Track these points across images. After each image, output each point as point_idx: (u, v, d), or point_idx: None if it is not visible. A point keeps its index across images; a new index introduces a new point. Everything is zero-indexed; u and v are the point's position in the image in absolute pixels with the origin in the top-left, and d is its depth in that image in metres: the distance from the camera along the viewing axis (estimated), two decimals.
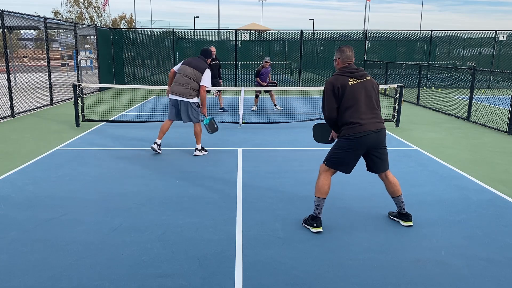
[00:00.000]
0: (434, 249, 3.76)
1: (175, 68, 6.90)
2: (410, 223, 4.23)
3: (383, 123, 4.06)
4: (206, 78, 6.70)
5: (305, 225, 4.19)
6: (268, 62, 11.93)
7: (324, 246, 3.80)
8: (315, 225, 4.08)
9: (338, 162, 4.05)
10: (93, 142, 7.86)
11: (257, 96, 12.20)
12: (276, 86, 11.94)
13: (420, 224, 4.28)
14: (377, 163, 4.11)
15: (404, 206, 4.26)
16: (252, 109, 12.10)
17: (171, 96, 6.75)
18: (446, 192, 5.25)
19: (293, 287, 3.15)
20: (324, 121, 4.28)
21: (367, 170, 4.22)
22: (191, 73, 6.66)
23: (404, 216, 4.26)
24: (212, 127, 7.04)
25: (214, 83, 10.97)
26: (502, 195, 5.14)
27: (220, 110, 11.74)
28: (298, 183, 5.56)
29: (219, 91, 11.36)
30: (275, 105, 12.14)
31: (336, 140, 4.23)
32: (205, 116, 7.01)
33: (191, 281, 3.21)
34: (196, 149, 6.99)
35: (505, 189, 5.38)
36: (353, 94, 3.95)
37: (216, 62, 11.28)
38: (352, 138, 3.93)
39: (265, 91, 12.00)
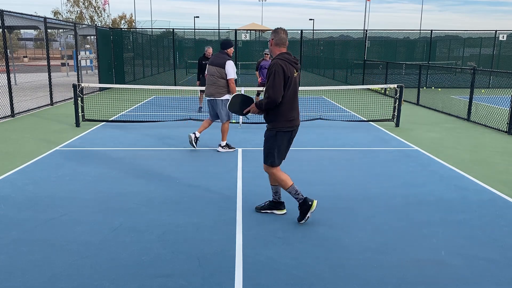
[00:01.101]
0: (434, 249, 3.76)
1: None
2: (284, 211, 4.48)
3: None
4: (230, 70, 6.81)
5: (307, 218, 4.19)
6: (268, 55, 11.27)
7: (324, 246, 3.80)
8: (310, 203, 4.18)
9: (279, 156, 4.21)
10: (93, 142, 7.86)
11: (258, 94, 11.77)
12: None
13: (420, 224, 4.28)
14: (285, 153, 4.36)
15: (281, 195, 4.49)
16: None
17: (206, 97, 7.11)
18: (446, 192, 5.25)
19: (293, 287, 3.15)
20: (243, 94, 4.43)
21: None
22: (215, 72, 6.82)
23: (279, 204, 4.49)
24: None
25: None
26: (502, 195, 5.14)
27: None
28: (298, 183, 5.54)
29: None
30: None
31: (267, 131, 4.22)
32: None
33: (191, 281, 3.21)
34: (220, 145, 7.20)
35: (505, 189, 5.38)
36: (294, 86, 4.08)
37: None
38: (289, 131, 4.14)
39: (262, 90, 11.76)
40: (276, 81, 3.90)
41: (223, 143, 7.15)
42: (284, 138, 4.15)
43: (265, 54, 11.48)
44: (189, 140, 7.15)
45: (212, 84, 6.85)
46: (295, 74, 4.06)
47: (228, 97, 6.87)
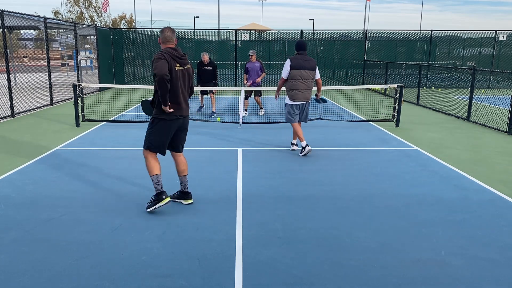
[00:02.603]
0: (434, 249, 3.76)
1: None
2: (191, 201, 4.74)
3: (189, 109, 4.61)
4: (318, 71, 6.96)
5: (152, 208, 4.43)
6: (252, 55, 10.70)
7: (324, 246, 3.80)
8: (163, 197, 4.41)
9: (157, 142, 4.44)
10: (93, 142, 7.86)
11: (246, 98, 11.08)
12: (259, 86, 10.91)
13: (420, 224, 4.28)
14: (178, 144, 4.64)
15: (188, 185, 4.76)
16: (240, 112, 9.90)
17: (301, 102, 7.04)
18: (446, 192, 5.25)
19: (293, 287, 3.15)
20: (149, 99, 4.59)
21: (168, 148, 4.62)
22: (310, 76, 6.87)
23: (186, 194, 4.75)
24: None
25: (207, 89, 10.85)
26: (502, 195, 5.14)
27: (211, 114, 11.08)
28: (298, 183, 5.56)
29: (211, 92, 10.92)
30: (260, 108, 11.27)
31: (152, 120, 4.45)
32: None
33: (191, 281, 3.21)
34: (293, 143, 7.38)
35: (505, 189, 5.38)
36: (176, 80, 4.31)
37: (208, 67, 10.75)
38: (169, 120, 4.37)
39: (251, 92, 10.95)
40: (158, 62, 4.17)
41: (304, 143, 6.95)
42: (164, 126, 4.40)
43: (250, 55, 10.76)
44: (307, 153, 6.86)
45: (308, 88, 6.86)
46: (178, 68, 4.30)
47: (287, 100, 6.98)
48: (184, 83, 4.44)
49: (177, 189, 4.89)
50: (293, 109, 6.92)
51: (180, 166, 4.70)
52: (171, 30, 4.41)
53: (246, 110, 11.30)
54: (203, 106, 11.60)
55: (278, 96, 7.29)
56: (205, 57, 10.73)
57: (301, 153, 6.88)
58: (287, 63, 6.73)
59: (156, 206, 4.42)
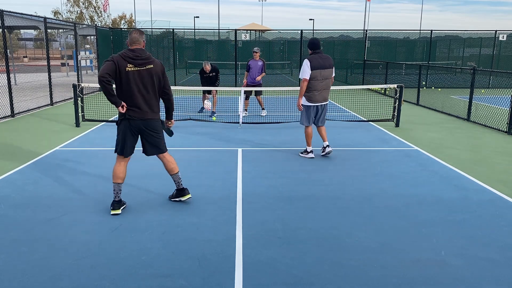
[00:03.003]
0: (434, 249, 3.76)
1: None
2: (189, 196, 4.77)
3: (155, 112, 4.43)
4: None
5: (114, 212, 4.46)
6: (256, 53, 10.60)
7: (324, 246, 3.80)
8: (112, 208, 4.46)
9: (122, 145, 4.45)
10: (93, 142, 7.86)
11: (246, 98, 11.01)
12: (260, 85, 10.85)
13: (420, 224, 4.28)
14: (148, 147, 4.56)
15: (182, 182, 4.77)
16: (240, 112, 9.89)
17: (320, 104, 6.73)
18: (446, 192, 5.25)
19: (293, 287, 3.15)
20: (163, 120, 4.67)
21: (142, 152, 4.64)
22: (330, 75, 6.63)
23: (182, 191, 4.77)
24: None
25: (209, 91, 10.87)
26: (502, 195, 5.14)
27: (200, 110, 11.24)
28: (298, 183, 5.56)
29: (209, 93, 11.02)
30: (262, 109, 11.11)
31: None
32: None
33: (191, 281, 3.21)
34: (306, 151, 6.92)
35: (505, 189, 5.38)
36: (128, 81, 4.22)
37: (211, 74, 10.67)
38: (127, 121, 4.33)
39: (251, 92, 10.85)
40: (103, 66, 4.15)
41: (310, 149, 6.83)
42: (123, 128, 4.38)
43: (254, 52, 10.64)
44: (328, 152, 6.78)
45: (327, 88, 6.60)
46: (130, 69, 4.18)
47: (305, 101, 6.65)
48: (143, 85, 4.28)
49: (171, 190, 4.89)
50: (309, 111, 6.64)
51: (167, 166, 4.68)
52: (139, 32, 4.37)
53: (246, 110, 11.24)
54: (204, 108, 11.44)
55: (300, 102, 6.64)
56: (207, 67, 10.56)
57: (322, 153, 6.83)
58: (306, 64, 6.37)
59: (111, 212, 4.45)
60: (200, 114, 11.19)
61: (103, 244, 3.78)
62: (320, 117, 6.75)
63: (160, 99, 4.50)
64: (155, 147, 4.57)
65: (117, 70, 4.18)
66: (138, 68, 4.23)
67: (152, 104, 4.38)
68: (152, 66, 4.29)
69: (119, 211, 4.45)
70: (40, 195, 5.01)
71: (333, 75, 6.69)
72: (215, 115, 10.86)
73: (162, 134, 4.60)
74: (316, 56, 6.44)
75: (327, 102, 6.73)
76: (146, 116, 4.36)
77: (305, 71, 6.39)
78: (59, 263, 3.44)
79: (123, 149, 4.46)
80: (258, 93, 10.97)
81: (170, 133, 4.91)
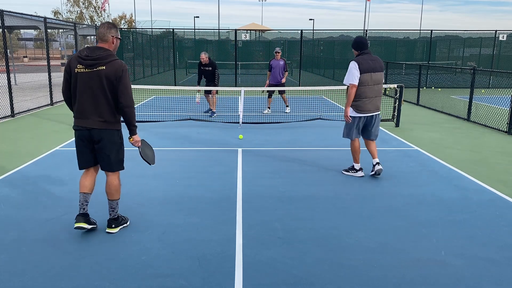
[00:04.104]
0: (434, 249, 3.76)
1: None
2: (112, 230, 3.99)
3: (107, 121, 3.74)
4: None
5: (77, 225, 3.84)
6: (278, 53, 11.02)
7: (324, 246, 3.80)
8: (75, 220, 3.88)
9: (79, 157, 3.91)
10: None
11: (269, 96, 11.41)
12: (283, 85, 11.19)
13: (420, 224, 4.28)
14: (100, 160, 3.90)
15: (115, 212, 4.00)
16: (263, 112, 11.31)
17: (368, 114, 5.66)
18: (446, 192, 5.25)
19: (293, 287, 3.15)
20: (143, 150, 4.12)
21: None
22: (381, 79, 5.72)
23: (109, 222, 4.01)
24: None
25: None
26: (502, 195, 5.14)
27: (209, 113, 11.15)
28: (298, 183, 5.56)
29: (208, 92, 10.96)
30: (286, 106, 11.55)
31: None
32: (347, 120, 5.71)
33: (191, 281, 3.21)
34: (352, 168, 5.91)
35: (505, 189, 5.38)
36: (76, 83, 3.69)
37: (208, 68, 10.64)
38: (77, 130, 3.79)
39: (274, 90, 11.32)
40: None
41: (358, 166, 5.86)
42: (76, 138, 3.86)
43: (276, 52, 11.03)
44: (378, 172, 5.72)
45: (379, 95, 5.61)
46: (79, 70, 3.63)
47: (350, 112, 5.62)
48: (91, 89, 3.64)
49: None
50: (357, 123, 5.64)
51: (105, 187, 3.98)
52: (106, 26, 3.73)
53: (269, 108, 11.51)
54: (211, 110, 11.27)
55: (348, 112, 5.61)
56: (203, 56, 10.61)
57: (372, 171, 5.78)
58: (354, 67, 5.42)
59: (74, 225, 3.87)
60: (201, 114, 11.17)
61: (103, 244, 3.78)
62: (372, 130, 5.71)
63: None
64: (104, 162, 3.88)
65: (70, 71, 3.71)
66: (88, 70, 3.62)
67: (102, 111, 3.69)
68: (103, 67, 3.61)
69: (83, 225, 3.83)
70: (40, 195, 5.01)
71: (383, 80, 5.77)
72: (214, 115, 10.86)
73: (116, 149, 3.88)
74: (366, 57, 5.48)
75: (380, 111, 5.73)
76: (93, 126, 3.70)
77: (353, 75, 5.41)
78: (59, 263, 3.44)
79: (78, 160, 3.91)
80: (281, 92, 11.42)
81: (148, 158, 4.14)
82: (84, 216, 3.90)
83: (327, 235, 4.01)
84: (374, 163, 5.74)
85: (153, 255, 3.59)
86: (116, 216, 4.03)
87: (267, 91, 11.23)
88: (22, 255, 3.58)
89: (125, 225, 4.12)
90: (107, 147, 3.81)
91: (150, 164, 4.17)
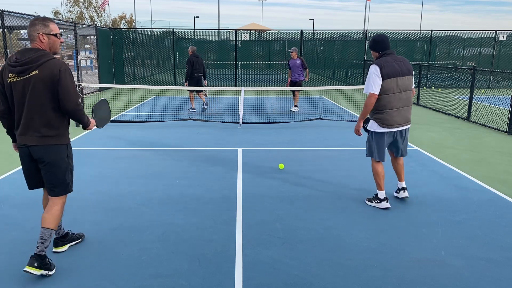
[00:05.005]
0: (434, 249, 3.76)
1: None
2: (65, 247, 3.58)
3: (47, 136, 3.16)
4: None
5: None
6: (292, 53, 11.39)
7: (324, 246, 3.80)
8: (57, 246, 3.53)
9: (26, 178, 3.39)
10: (93, 142, 7.86)
11: (294, 94, 11.79)
12: (299, 86, 11.46)
13: (420, 224, 4.28)
14: (44, 181, 3.31)
15: (45, 247, 3.24)
16: (291, 110, 11.65)
17: (396, 128, 4.58)
18: (446, 192, 5.24)
19: (293, 287, 3.15)
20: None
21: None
22: (410, 84, 4.66)
23: (40, 257, 3.20)
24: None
25: (198, 83, 11.16)
26: (502, 195, 5.14)
27: (205, 107, 11.52)
28: (298, 183, 5.56)
29: (200, 92, 11.40)
30: (295, 106, 11.76)
31: None
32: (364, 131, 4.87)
33: (191, 281, 3.21)
34: (376, 197, 4.78)
35: (505, 189, 5.38)
36: (10, 95, 3.14)
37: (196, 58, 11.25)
38: (20, 148, 3.26)
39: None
40: None
41: (383, 195, 4.69)
42: (19, 156, 3.29)
43: (291, 52, 11.48)
44: (404, 198, 4.93)
45: (408, 104, 4.60)
46: (12, 79, 3.08)
47: (371, 124, 4.67)
48: (27, 99, 3.08)
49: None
50: (382, 140, 4.59)
51: (44, 212, 3.34)
52: (30, 23, 3.15)
53: (296, 106, 11.75)
54: (207, 106, 11.63)
55: (361, 126, 4.80)
56: (190, 49, 11.29)
57: (396, 192, 5.02)
58: (375, 71, 4.40)
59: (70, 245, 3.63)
60: (201, 114, 11.18)
61: (103, 244, 3.78)
62: (401, 146, 4.74)
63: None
64: (48, 184, 3.28)
65: (3, 82, 3.15)
66: (20, 78, 3.06)
67: (41, 125, 3.13)
68: (36, 72, 3.04)
69: (63, 249, 3.57)
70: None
71: (413, 85, 4.72)
72: (206, 110, 11.42)
73: (60, 169, 3.26)
74: (389, 59, 4.46)
75: (410, 125, 4.70)
76: (31, 142, 3.15)
77: (374, 82, 4.40)
78: (59, 263, 3.43)
79: (26, 182, 3.40)
80: (295, 90, 11.78)
81: (101, 123, 3.61)
82: (64, 238, 3.58)
83: (327, 235, 4.01)
84: (400, 187, 4.91)
85: (153, 255, 3.59)
86: (43, 254, 3.20)
87: (291, 90, 11.68)
88: (22, 255, 3.57)
89: (49, 272, 3.21)
90: (48, 167, 3.21)
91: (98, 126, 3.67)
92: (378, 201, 4.70)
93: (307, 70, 11.66)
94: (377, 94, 4.41)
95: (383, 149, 4.65)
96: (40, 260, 3.17)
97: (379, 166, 4.71)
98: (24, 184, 5.34)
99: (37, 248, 3.19)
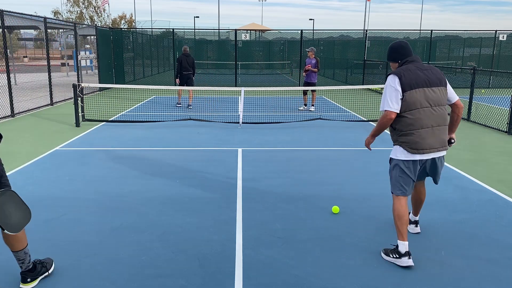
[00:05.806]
0: (434, 249, 3.75)
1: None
2: (27, 285, 3.11)
3: None
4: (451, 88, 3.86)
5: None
6: (309, 52, 11.57)
7: (324, 246, 3.80)
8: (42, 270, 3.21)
9: None
10: (93, 142, 7.86)
11: (305, 93, 12.03)
12: (313, 85, 11.63)
13: (420, 224, 4.27)
14: None
15: (28, 261, 3.12)
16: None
17: (428, 155, 3.53)
18: (446, 192, 5.24)
19: (293, 287, 3.15)
20: None
21: None
22: (442, 98, 3.73)
23: (32, 271, 3.12)
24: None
25: (187, 82, 11.66)
26: (502, 195, 5.14)
27: (190, 107, 12.02)
28: (298, 183, 5.56)
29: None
30: (304, 105, 12.01)
31: None
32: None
33: (191, 281, 3.21)
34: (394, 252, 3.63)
35: (505, 189, 5.38)
36: None
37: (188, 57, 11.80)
38: None
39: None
40: None
41: (404, 247, 3.49)
42: None
43: (308, 51, 11.70)
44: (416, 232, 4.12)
45: (443, 124, 3.61)
46: None
47: (396, 149, 3.59)
48: None
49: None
50: (410, 170, 3.54)
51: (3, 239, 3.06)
52: None
53: (306, 105, 12.02)
54: (191, 107, 12.08)
55: (371, 142, 3.94)
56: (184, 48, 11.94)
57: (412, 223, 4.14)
58: (391, 83, 3.46)
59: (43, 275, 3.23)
60: (201, 114, 11.17)
61: (103, 244, 3.78)
62: (436, 177, 3.81)
63: None
64: None
65: None
66: None
67: None
68: None
69: (32, 285, 3.13)
70: (40, 195, 5.01)
71: (456, 97, 3.85)
72: (190, 106, 11.97)
73: None
74: (411, 67, 3.53)
75: (446, 149, 3.61)
76: None
77: (391, 96, 3.45)
78: (59, 263, 3.43)
79: None
80: (311, 90, 11.96)
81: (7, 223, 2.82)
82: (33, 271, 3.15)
83: (327, 235, 4.01)
84: (413, 220, 4.13)
85: (153, 255, 3.59)
86: (30, 267, 3.13)
87: (303, 90, 12.00)
88: None
89: (47, 273, 3.22)
90: None
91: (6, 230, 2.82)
92: (397, 256, 3.51)
93: (316, 70, 11.76)
94: (397, 111, 3.44)
95: (411, 183, 3.59)
96: (31, 274, 3.13)
97: (402, 205, 3.56)
98: (24, 184, 5.37)
99: (22, 267, 3.11)
